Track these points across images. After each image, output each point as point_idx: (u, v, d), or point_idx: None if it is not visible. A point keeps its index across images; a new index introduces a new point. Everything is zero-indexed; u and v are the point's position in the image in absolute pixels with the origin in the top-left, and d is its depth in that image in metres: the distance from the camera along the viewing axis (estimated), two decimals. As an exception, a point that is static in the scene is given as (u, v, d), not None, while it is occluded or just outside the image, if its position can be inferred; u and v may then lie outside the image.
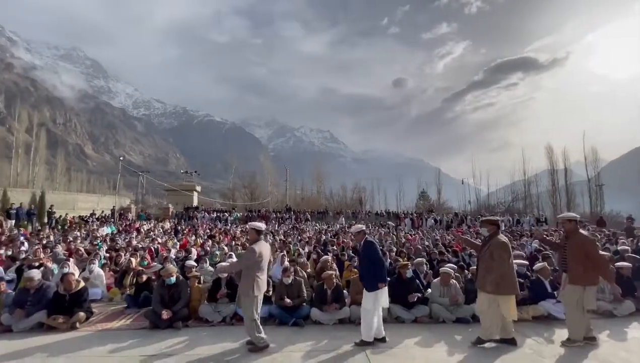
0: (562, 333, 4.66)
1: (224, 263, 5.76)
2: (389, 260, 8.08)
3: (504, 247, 4.21)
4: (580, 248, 4.25)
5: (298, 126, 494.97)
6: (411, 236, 14.89)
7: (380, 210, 33.07)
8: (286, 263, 6.88)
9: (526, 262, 6.74)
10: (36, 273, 5.52)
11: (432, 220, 23.72)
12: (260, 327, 4.25)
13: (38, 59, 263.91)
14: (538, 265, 6.11)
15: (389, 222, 22.60)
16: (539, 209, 36.25)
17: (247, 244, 4.61)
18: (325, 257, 7.12)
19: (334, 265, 6.83)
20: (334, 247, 10.19)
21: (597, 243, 9.55)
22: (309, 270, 7.37)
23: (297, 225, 21.99)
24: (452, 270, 5.81)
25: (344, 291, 5.65)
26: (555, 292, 5.47)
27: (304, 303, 5.43)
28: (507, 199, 41.15)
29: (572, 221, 4.45)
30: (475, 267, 5.34)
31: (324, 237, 14.42)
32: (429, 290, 5.82)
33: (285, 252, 8.49)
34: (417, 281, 5.71)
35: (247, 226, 4.69)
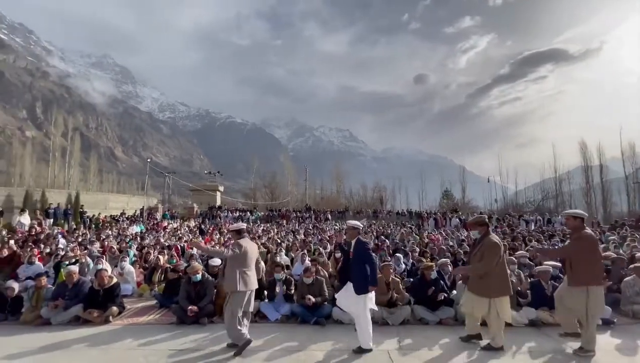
0: (607, 339, 4.46)
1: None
2: (411, 260, 7.94)
3: (494, 248, 4.00)
4: (578, 247, 3.99)
5: (317, 126, 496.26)
6: (434, 236, 14.54)
7: (401, 210, 32.58)
8: (307, 262, 6.92)
9: (559, 264, 6.40)
10: (75, 269, 5.88)
11: (457, 220, 23.06)
12: (242, 323, 4.14)
13: (71, 67, 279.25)
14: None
15: (410, 224, 22.21)
16: (571, 208, 34.44)
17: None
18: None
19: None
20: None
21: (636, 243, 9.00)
22: (330, 269, 7.37)
23: (318, 225, 22.05)
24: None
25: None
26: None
27: (326, 303, 5.44)
28: (536, 198, 39.37)
29: (578, 218, 4.11)
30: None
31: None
32: (454, 292, 5.67)
33: (305, 251, 8.53)
34: (442, 282, 5.57)
35: (228, 228, 4.74)
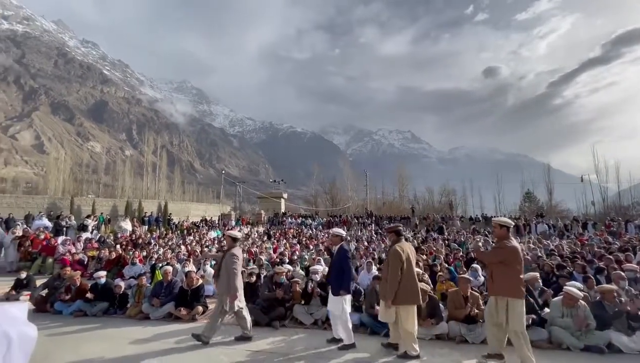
0: None
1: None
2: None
3: (394, 255, 4.14)
4: (499, 257, 3.86)
5: (376, 129, 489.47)
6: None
7: (475, 215, 30.07)
8: (374, 270, 6.75)
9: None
10: (170, 268, 6.78)
11: (545, 226, 20.19)
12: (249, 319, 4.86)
13: (158, 93, 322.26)
14: None
15: (485, 231, 20.27)
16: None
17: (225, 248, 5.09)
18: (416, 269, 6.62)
19: (426, 277, 6.28)
20: (424, 256, 9.49)
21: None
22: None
23: (381, 231, 21.50)
24: (579, 291, 4.77)
25: (440, 305, 5.25)
26: None
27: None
28: (646, 198, 32.68)
29: (504, 227, 3.96)
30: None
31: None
32: (546, 310, 4.97)
33: (371, 260, 8.31)
34: (532, 300, 4.91)
35: (225, 233, 5.08)
